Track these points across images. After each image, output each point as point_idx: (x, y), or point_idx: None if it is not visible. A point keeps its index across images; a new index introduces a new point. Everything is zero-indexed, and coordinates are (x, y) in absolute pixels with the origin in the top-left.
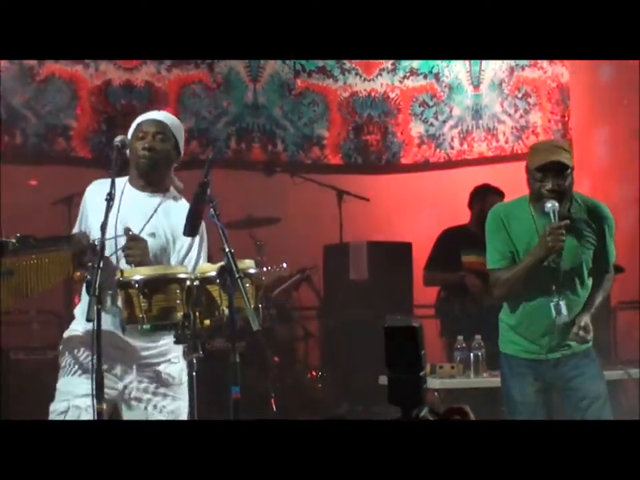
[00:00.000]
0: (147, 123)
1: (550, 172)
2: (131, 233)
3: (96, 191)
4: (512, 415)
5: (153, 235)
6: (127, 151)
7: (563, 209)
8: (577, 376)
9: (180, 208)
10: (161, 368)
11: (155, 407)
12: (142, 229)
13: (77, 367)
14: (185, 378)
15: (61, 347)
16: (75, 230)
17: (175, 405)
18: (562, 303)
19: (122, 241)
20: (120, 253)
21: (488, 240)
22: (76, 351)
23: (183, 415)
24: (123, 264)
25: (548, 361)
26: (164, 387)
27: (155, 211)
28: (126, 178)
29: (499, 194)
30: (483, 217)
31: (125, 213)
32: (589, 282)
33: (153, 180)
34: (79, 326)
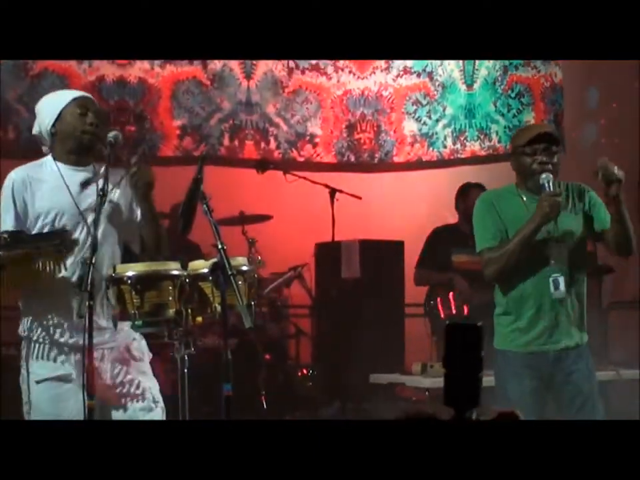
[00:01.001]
0: (87, 100)
1: (540, 146)
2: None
3: (25, 177)
4: None
5: (110, 202)
6: (51, 126)
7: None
8: (574, 372)
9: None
10: (131, 346)
11: (136, 386)
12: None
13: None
14: (149, 356)
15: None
16: (10, 222)
17: (151, 382)
18: (560, 279)
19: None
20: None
21: (477, 223)
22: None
23: (156, 389)
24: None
25: (548, 353)
26: (137, 362)
27: (103, 178)
28: (45, 159)
29: (481, 187)
30: (469, 214)
31: (75, 190)
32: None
33: (87, 155)
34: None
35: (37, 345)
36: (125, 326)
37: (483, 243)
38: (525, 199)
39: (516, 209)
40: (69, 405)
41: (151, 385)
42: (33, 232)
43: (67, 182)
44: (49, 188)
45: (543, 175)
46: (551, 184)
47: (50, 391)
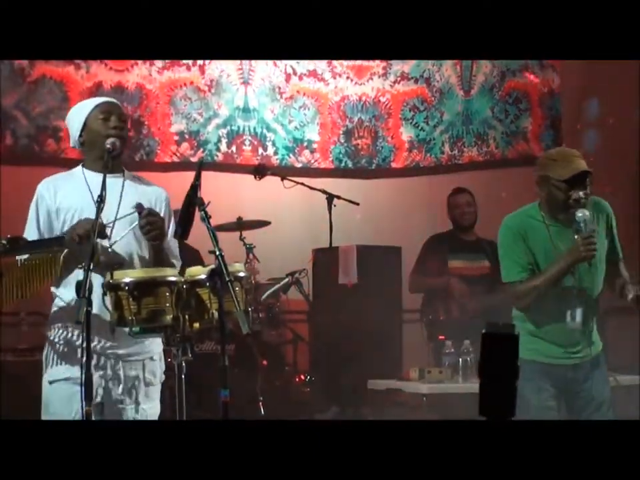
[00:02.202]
0: (109, 105)
1: (577, 181)
2: (142, 207)
3: (50, 187)
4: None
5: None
6: (78, 135)
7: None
8: (588, 379)
9: (144, 185)
10: (145, 364)
11: (136, 411)
12: (118, 208)
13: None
14: (162, 378)
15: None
16: (33, 231)
17: (153, 409)
18: (578, 310)
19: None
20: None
21: (504, 253)
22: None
23: (155, 416)
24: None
25: (567, 365)
26: (146, 386)
27: (123, 187)
28: (76, 169)
29: (464, 191)
30: (456, 216)
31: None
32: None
33: (116, 161)
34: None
35: (54, 346)
36: (148, 343)
37: (512, 274)
38: (550, 230)
39: (541, 238)
40: (74, 407)
41: (151, 413)
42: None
43: (92, 188)
44: (73, 193)
45: (579, 214)
46: (587, 224)
47: (59, 392)
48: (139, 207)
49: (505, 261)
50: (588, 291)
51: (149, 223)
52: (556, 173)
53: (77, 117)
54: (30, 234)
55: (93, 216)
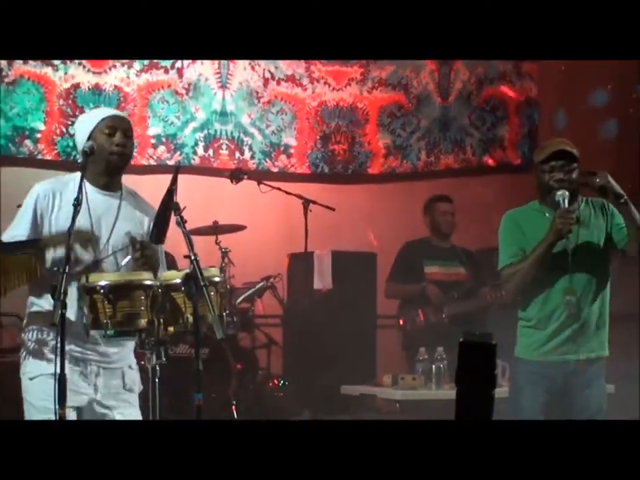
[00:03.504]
0: (116, 119)
1: (558, 163)
2: (137, 241)
3: (49, 191)
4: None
5: (128, 233)
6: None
7: (575, 202)
8: (588, 387)
9: (140, 205)
10: (124, 372)
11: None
12: (112, 229)
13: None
14: (140, 387)
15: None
16: (23, 229)
17: (133, 415)
18: (572, 299)
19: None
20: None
21: (500, 241)
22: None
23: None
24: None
25: (568, 363)
26: (128, 392)
27: (119, 209)
28: (77, 176)
29: (445, 199)
30: (436, 225)
31: (97, 214)
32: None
33: (117, 178)
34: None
35: (30, 345)
36: (127, 351)
37: (503, 260)
38: (547, 215)
39: (540, 226)
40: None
41: (132, 418)
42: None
43: (90, 206)
44: (71, 208)
45: (559, 192)
46: (566, 201)
47: (43, 385)
48: (132, 241)
49: (500, 250)
50: (587, 277)
51: (144, 256)
52: (537, 157)
53: (83, 127)
54: (18, 230)
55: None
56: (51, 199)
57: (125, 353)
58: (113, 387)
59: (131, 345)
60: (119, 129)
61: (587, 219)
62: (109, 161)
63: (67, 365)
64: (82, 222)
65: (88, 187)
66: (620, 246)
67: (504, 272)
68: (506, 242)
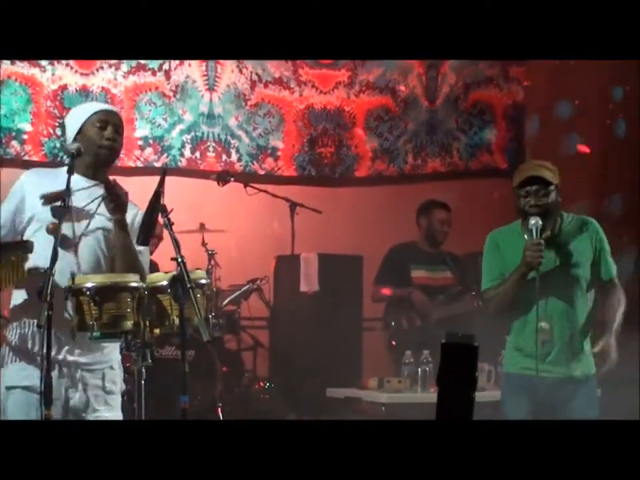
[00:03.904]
0: (108, 114)
1: (532, 188)
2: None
3: (34, 182)
4: None
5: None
6: (73, 139)
7: (551, 226)
8: (572, 401)
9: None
10: (105, 373)
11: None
12: (93, 214)
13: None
14: (122, 386)
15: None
16: (8, 211)
17: (117, 417)
18: (543, 324)
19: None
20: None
21: (483, 264)
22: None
23: None
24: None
25: (544, 379)
26: (107, 394)
27: (102, 199)
28: (63, 169)
29: (445, 207)
30: (431, 232)
31: (79, 200)
32: (588, 296)
33: (104, 171)
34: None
35: (11, 351)
36: (107, 352)
37: (484, 283)
38: (526, 238)
39: (519, 250)
40: (32, 414)
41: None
42: (24, 233)
43: (75, 196)
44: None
45: (532, 221)
46: (538, 230)
47: (17, 399)
48: (108, 182)
49: (482, 271)
50: (563, 302)
51: (111, 194)
52: (514, 180)
53: (74, 120)
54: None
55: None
56: (36, 185)
57: (106, 353)
58: (91, 389)
59: (112, 345)
60: (110, 123)
61: (569, 240)
62: (97, 154)
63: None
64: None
65: (76, 176)
66: (606, 276)
67: (485, 294)
68: (487, 265)
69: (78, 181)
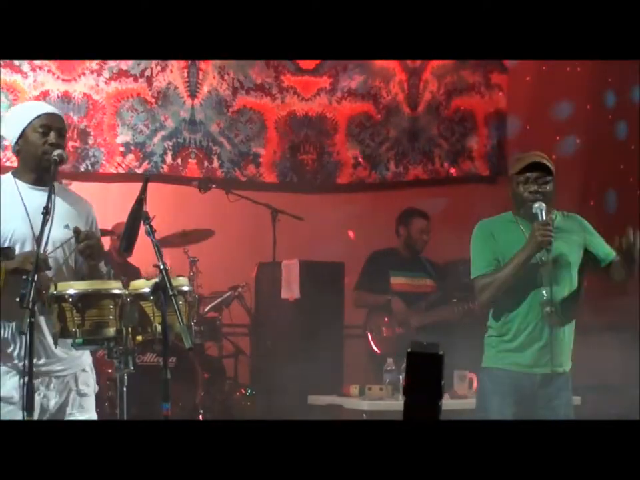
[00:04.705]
0: (51, 118)
1: (533, 175)
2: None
3: None
4: None
5: (67, 226)
6: (14, 143)
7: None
8: (555, 399)
9: (73, 198)
10: (77, 376)
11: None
12: (51, 223)
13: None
14: (95, 388)
15: None
16: None
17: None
18: (552, 310)
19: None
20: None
21: (473, 250)
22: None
23: None
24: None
25: (536, 375)
26: (81, 397)
27: (53, 203)
28: (5, 176)
29: (424, 216)
30: (410, 240)
31: (33, 209)
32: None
33: (48, 176)
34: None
35: None
36: (78, 355)
37: (477, 270)
38: (521, 226)
39: (514, 236)
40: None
41: None
42: None
43: (25, 201)
44: (7, 206)
45: (536, 204)
46: (543, 213)
47: None
48: (76, 231)
49: (472, 258)
50: (564, 294)
51: (89, 247)
52: (513, 168)
53: (15, 122)
54: None
55: (25, 230)
56: None
57: (76, 357)
58: (63, 393)
59: None
60: (53, 129)
61: (563, 232)
62: (40, 160)
63: (18, 381)
64: (19, 221)
65: (19, 183)
66: (605, 262)
67: (478, 282)
68: (479, 251)
69: (23, 188)
